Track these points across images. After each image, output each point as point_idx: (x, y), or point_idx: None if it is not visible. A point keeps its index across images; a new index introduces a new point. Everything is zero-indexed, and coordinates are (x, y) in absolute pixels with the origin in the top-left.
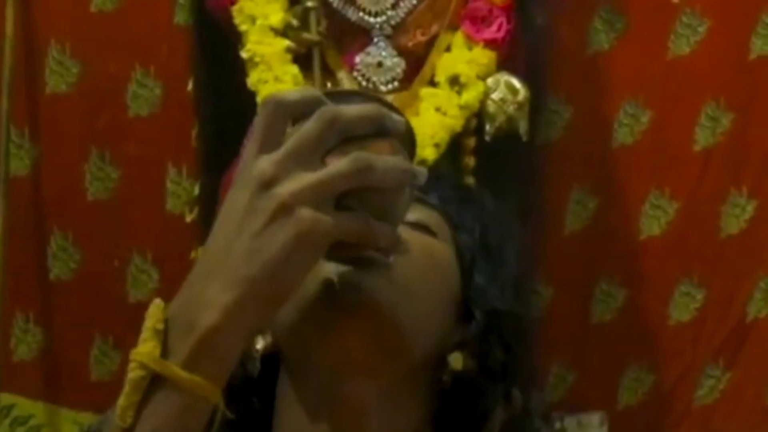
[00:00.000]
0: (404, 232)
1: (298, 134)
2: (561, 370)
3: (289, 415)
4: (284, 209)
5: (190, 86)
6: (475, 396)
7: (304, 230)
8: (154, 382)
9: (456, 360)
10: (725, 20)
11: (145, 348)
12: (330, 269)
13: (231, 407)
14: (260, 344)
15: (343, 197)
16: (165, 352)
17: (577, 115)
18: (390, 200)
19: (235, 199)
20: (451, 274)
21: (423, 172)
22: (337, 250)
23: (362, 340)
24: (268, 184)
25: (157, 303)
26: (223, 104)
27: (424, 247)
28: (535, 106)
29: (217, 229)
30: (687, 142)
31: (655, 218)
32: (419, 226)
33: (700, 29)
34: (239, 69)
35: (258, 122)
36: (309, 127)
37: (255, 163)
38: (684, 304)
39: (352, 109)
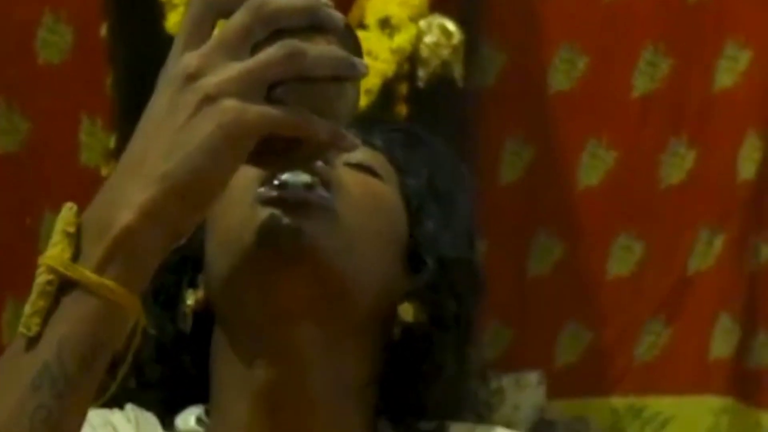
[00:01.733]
0: (346, 173)
1: (224, 26)
2: (497, 328)
3: (225, 373)
4: (208, 101)
5: (103, 31)
6: (426, 350)
7: (229, 121)
8: (64, 287)
9: (406, 311)
10: None
11: (54, 251)
12: (266, 213)
13: (162, 366)
14: (192, 300)
15: (276, 90)
16: (76, 256)
17: (511, 60)
18: (328, 94)
19: (158, 98)
20: (398, 219)
21: (363, 64)
22: (270, 158)
23: (304, 286)
24: (192, 77)
25: (69, 206)
26: (140, 50)
27: (367, 189)
28: (468, 51)
29: (138, 131)
30: (625, 89)
31: (593, 168)
32: (362, 168)
33: None
34: (157, 12)
35: (184, 19)
36: (236, 17)
37: (180, 59)
38: (623, 258)
39: (283, 0)
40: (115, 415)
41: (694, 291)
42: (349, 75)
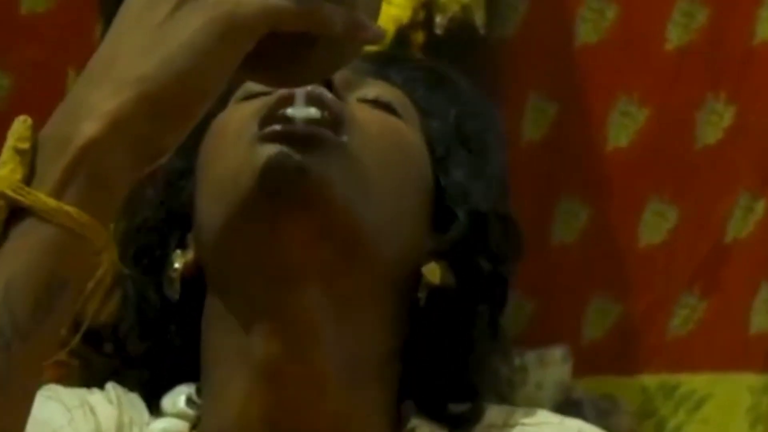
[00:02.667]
0: (361, 110)
1: None
2: (519, 299)
3: (219, 346)
4: None
5: None
6: (456, 318)
7: (222, 13)
8: (13, 215)
9: (432, 272)
10: None
11: (2, 172)
12: (269, 150)
13: (146, 340)
14: (179, 262)
15: None
16: (29, 178)
17: (534, 7)
18: None
19: None
20: (422, 165)
21: None
22: (272, 63)
23: (311, 235)
24: None
25: (22, 119)
26: None
27: (386, 127)
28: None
29: (110, 32)
30: (658, 41)
31: (622, 127)
32: (379, 104)
33: None
34: None
35: None
36: None
37: None
38: (655, 225)
39: None
40: (94, 396)
41: (733, 260)
42: None
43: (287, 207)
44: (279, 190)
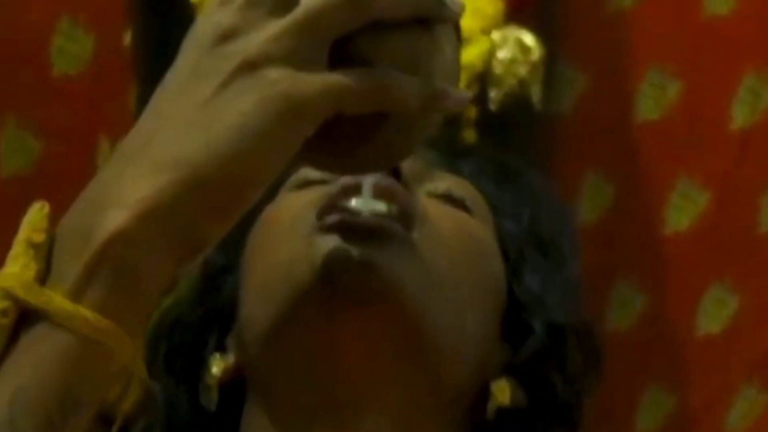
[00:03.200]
0: (431, 205)
1: None
2: None
3: None
4: (247, 67)
5: (127, 39)
6: None
7: (278, 94)
8: (25, 318)
9: (502, 390)
10: None
11: (12, 268)
12: (328, 244)
13: None
14: (218, 368)
15: (341, 49)
16: (44, 276)
17: (593, 83)
18: (417, 45)
19: (178, 66)
20: (496, 267)
21: (456, 2)
22: (338, 147)
23: (374, 337)
24: (225, 37)
25: (39, 206)
26: (169, 60)
27: (459, 226)
28: (546, 70)
29: (148, 109)
30: (723, 119)
31: (683, 209)
32: (450, 199)
33: None
34: (189, 16)
35: None
36: None
37: (211, 16)
38: (715, 312)
39: None
40: None
41: None
42: (439, 14)
43: (348, 304)
44: (340, 285)
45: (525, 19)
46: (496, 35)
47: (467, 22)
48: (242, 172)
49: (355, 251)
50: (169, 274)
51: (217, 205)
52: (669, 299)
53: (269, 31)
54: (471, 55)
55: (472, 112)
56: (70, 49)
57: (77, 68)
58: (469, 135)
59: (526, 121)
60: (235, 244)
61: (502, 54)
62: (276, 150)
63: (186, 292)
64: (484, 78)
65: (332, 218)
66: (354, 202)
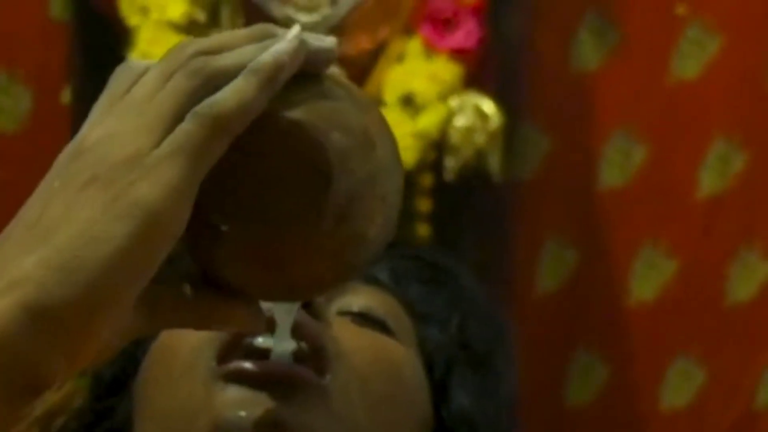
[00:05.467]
0: (345, 329)
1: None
2: None
3: None
4: (96, 180)
5: (66, 96)
6: None
7: (127, 200)
8: None
9: None
10: (742, 36)
11: None
12: (231, 396)
13: None
14: None
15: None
16: None
17: (556, 147)
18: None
19: (46, 180)
20: (419, 397)
21: (332, 42)
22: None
23: None
24: (83, 151)
25: None
26: None
27: (376, 355)
28: (507, 135)
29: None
30: (690, 186)
31: (647, 279)
32: (368, 319)
33: (711, 47)
34: None
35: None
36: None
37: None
38: (680, 385)
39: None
40: None
41: (762, 428)
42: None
43: None
44: None
45: (485, 81)
46: (453, 101)
47: (424, 87)
48: (89, 289)
49: (263, 409)
50: (5, 414)
51: (61, 332)
52: (633, 371)
53: (124, 141)
54: (427, 121)
55: (427, 181)
56: (8, 105)
57: (15, 125)
58: (423, 204)
59: (483, 189)
60: (125, 359)
61: (460, 121)
62: (129, 262)
63: (74, 417)
64: (440, 146)
65: (234, 364)
66: (260, 340)
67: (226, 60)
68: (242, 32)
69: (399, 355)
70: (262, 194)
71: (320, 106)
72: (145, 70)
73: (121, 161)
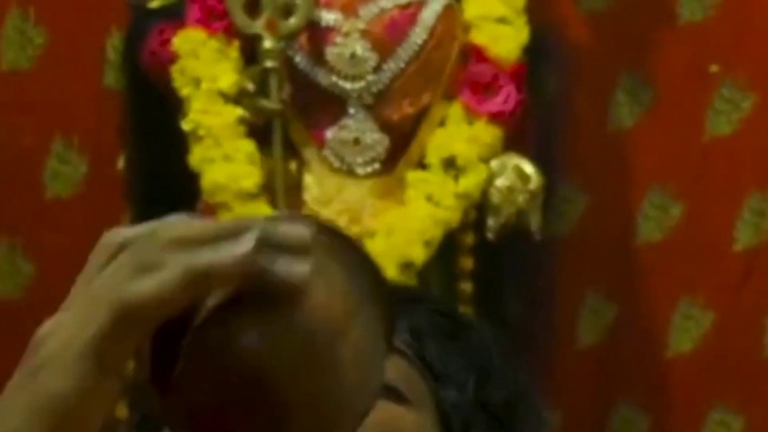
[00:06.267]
0: None
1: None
2: None
3: None
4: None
5: (120, 163)
6: None
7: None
8: None
9: None
10: None
11: None
12: None
13: None
14: None
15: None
16: None
17: (594, 205)
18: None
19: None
20: None
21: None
22: None
23: None
24: (36, 345)
25: None
26: (161, 186)
27: (384, 428)
28: (546, 193)
29: None
30: (726, 241)
31: (685, 331)
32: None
33: (744, 104)
34: (180, 143)
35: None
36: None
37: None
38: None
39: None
40: None
41: None
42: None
43: None
44: None
45: (525, 141)
46: (494, 163)
47: (465, 150)
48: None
49: None
50: None
51: None
52: (672, 423)
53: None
54: (468, 183)
55: (470, 239)
56: (64, 171)
57: (71, 191)
58: (466, 262)
59: (524, 247)
60: None
61: (500, 182)
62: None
63: None
64: (481, 206)
65: None
66: None
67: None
68: (212, 227)
69: (409, 425)
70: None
71: (278, 337)
72: (121, 248)
73: (51, 356)
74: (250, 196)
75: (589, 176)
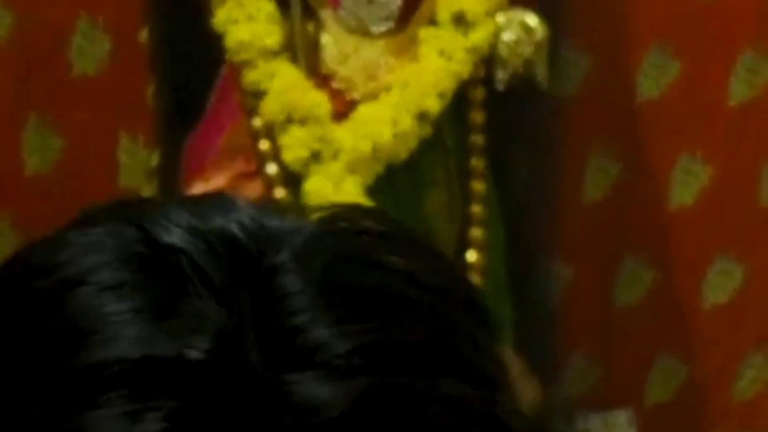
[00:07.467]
0: None
1: None
2: (582, 362)
3: None
4: None
5: (144, 36)
6: None
7: None
8: None
9: None
10: None
11: None
12: None
13: None
14: None
15: None
16: None
17: (596, 65)
18: None
19: None
20: None
21: None
22: None
23: None
24: None
25: None
26: (185, 54)
27: None
28: (550, 53)
29: None
30: (721, 97)
31: (686, 185)
32: None
33: None
34: (202, 9)
35: None
36: None
37: None
38: (720, 284)
39: None
40: None
41: None
42: None
43: None
44: None
45: (528, 3)
46: (500, 18)
47: (473, 5)
48: None
49: None
50: None
51: None
52: (676, 273)
53: None
54: (477, 37)
55: (480, 93)
56: (90, 48)
57: (96, 68)
58: (478, 115)
59: (533, 100)
60: None
61: (507, 36)
62: None
63: None
64: (490, 60)
65: None
66: None
67: None
68: None
69: None
70: None
71: None
72: None
73: None
74: (272, 54)
75: (590, 38)
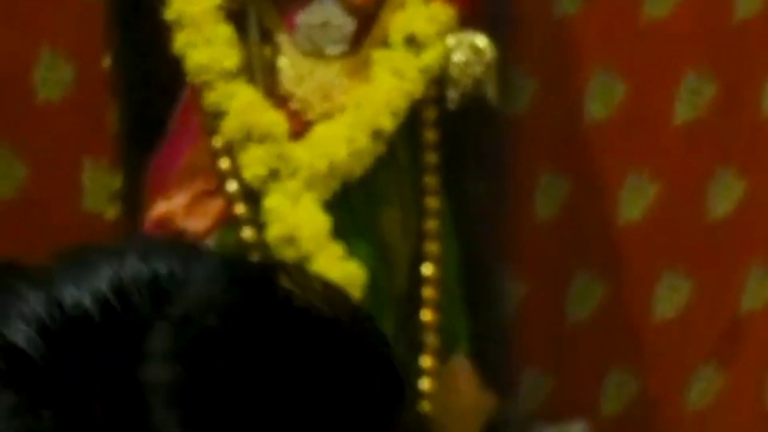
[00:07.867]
0: None
1: None
2: (537, 375)
3: None
4: None
5: (106, 62)
6: None
7: None
8: None
9: None
10: None
11: None
12: None
13: None
14: None
15: None
16: None
17: (543, 87)
18: None
19: None
20: None
21: None
22: None
23: None
24: None
25: None
26: (147, 75)
27: None
28: (498, 75)
29: None
30: (667, 116)
31: (634, 202)
32: None
33: None
34: (163, 34)
35: None
36: None
37: None
38: (670, 298)
39: None
40: None
41: (749, 333)
42: None
43: None
44: None
45: (477, 25)
46: (451, 39)
47: (424, 27)
48: None
49: None
50: None
51: None
52: (626, 288)
53: None
54: (429, 57)
55: (433, 113)
56: (53, 77)
57: (61, 93)
58: (431, 134)
59: (482, 120)
60: None
61: (457, 57)
62: None
63: None
64: (442, 80)
65: None
66: None
67: None
68: None
69: None
70: None
71: None
72: None
73: None
74: (231, 75)
75: (537, 62)
